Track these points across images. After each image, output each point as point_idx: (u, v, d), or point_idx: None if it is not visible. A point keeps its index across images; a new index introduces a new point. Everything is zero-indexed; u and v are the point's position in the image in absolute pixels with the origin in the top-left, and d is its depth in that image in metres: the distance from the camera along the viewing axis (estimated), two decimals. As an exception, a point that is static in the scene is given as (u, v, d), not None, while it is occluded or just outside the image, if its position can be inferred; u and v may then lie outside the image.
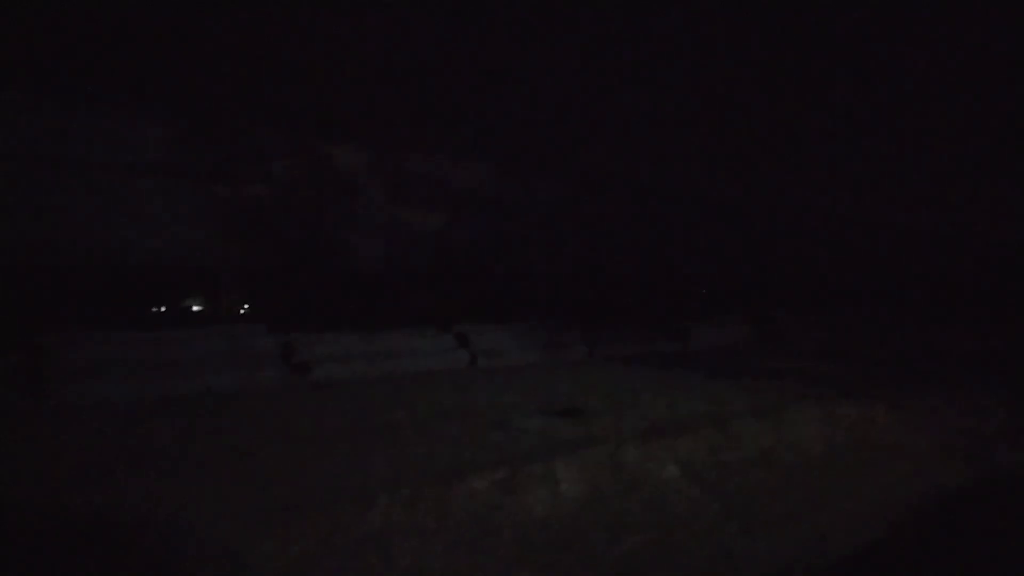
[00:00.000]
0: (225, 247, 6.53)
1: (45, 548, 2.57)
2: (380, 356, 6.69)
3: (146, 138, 6.11)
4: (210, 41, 6.09)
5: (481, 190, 8.37)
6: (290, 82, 6.71)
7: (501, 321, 8.12)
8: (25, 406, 4.84)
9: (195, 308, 6.37)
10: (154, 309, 6.16)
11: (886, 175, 12.85)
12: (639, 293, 9.96)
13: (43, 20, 5.35)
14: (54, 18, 5.37)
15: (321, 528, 2.88)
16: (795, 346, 9.87)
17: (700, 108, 10.10)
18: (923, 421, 5.32)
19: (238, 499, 3.01)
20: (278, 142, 6.80)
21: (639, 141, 9.68)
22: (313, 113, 6.85)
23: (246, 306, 6.57)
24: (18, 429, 4.23)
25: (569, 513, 3.40)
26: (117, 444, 3.89)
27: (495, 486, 3.35)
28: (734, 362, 7.87)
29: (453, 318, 7.73)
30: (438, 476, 3.33)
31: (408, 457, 3.66)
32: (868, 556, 3.32)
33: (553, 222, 9.06)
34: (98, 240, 5.88)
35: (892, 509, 3.80)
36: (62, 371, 5.12)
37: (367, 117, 7.27)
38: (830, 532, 3.48)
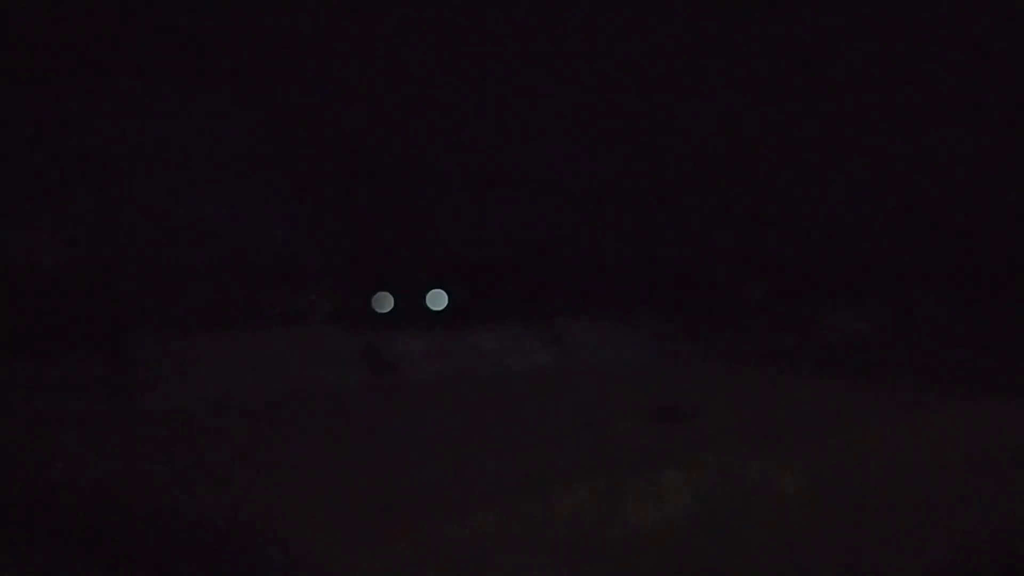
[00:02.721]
0: (309, 245, 6.56)
1: (134, 551, 2.56)
2: (468, 355, 6.55)
3: (229, 136, 6.18)
4: (289, 32, 6.10)
5: (576, 177, 8.10)
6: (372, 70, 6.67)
7: (598, 315, 7.80)
8: (111, 409, 4.94)
9: (279, 308, 6.40)
10: (238, 309, 6.22)
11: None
12: (752, 282, 9.42)
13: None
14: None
15: (414, 537, 2.75)
16: (932, 336, 9.09)
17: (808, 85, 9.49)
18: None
19: (329, 505, 2.92)
20: (361, 134, 6.77)
21: (741, 119, 9.18)
22: (395, 100, 6.78)
23: (328, 304, 6.56)
24: (105, 432, 4.29)
25: (676, 526, 3.15)
26: (203, 447, 3.90)
27: (595, 496, 3.13)
28: (861, 356, 7.32)
29: (546, 312, 7.49)
30: (534, 485, 3.15)
31: (501, 463, 3.50)
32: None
33: (656, 209, 8.69)
34: (183, 241, 6.01)
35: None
36: (147, 373, 5.21)
37: (453, 107, 7.16)
38: (971, 547, 3.10)
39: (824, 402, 4.89)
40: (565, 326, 7.33)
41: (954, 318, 10.14)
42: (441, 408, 4.92)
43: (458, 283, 7.26)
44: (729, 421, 4.35)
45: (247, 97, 6.27)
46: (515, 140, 7.71)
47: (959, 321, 10.08)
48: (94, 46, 5.45)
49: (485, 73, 7.29)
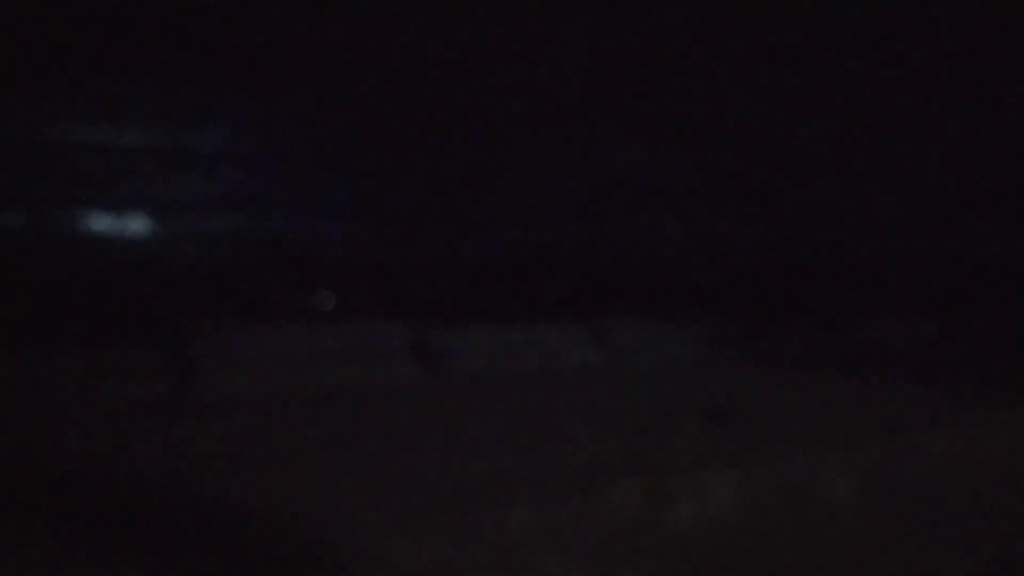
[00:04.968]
0: (359, 236, 6.64)
1: (185, 541, 2.60)
2: (516, 351, 6.55)
3: (276, 127, 6.31)
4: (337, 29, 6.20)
5: (627, 176, 8.03)
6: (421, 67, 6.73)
7: (645, 313, 7.72)
8: (170, 398, 5.07)
9: (329, 300, 6.48)
10: (289, 301, 6.33)
11: None
12: (803, 282, 9.19)
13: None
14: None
15: (457, 532, 2.76)
16: (985, 339, 8.76)
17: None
18: None
19: (376, 498, 2.95)
20: (412, 130, 6.83)
21: (791, 123, 8.98)
22: (443, 95, 6.83)
23: (379, 298, 6.62)
24: (163, 421, 4.40)
25: (725, 528, 3.09)
26: (255, 438, 3.96)
27: (641, 496, 3.09)
28: (917, 359, 7.09)
29: (593, 310, 7.44)
30: (578, 483, 3.12)
31: (546, 461, 3.48)
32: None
33: (701, 203, 8.55)
34: (240, 232, 6.15)
35: None
36: (205, 364, 5.34)
37: (499, 104, 7.18)
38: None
39: (877, 405, 4.73)
40: (614, 324, 7.26)
41: (1007, 321, 9.76)
42: (489, 404, 4.91)
43: (507, 279, 7.26)
44: (779, 423, 4.25)
45: (298, 96, 6.39)
46: (566, 137, 7.68)
47: (1012, 324, 9.69)
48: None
49: (537, 72, 7.29)
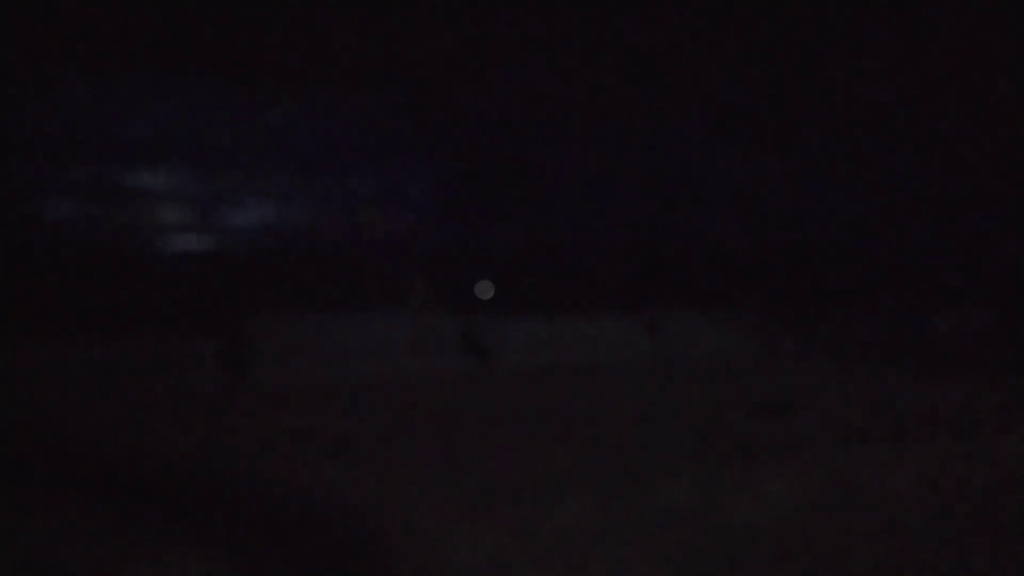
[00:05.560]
0: (414, 232, 6.71)
1: (243, 533, 2.66)
2: (566, 342, 6.56)
3: (338, 121, 6.41)
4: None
5: (679, 168, 7.94)
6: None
7: (698, 305, 7.65)
8: (221, 388, 5.24)
9: (384, 293, 6.57)
10: (341, 292, 6.43)
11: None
12: (861, 273, 8.97)
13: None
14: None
15: (511, 524, 2.80)
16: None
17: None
18: None
19: (428, 490, 3.00)
20: (467, 123, 6.88)
21: (835, 98, 8.77)
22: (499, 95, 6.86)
23: (430, 291, 6.70)
24: (214, 411, 4.55)
25: (780, 523, 3.07)
26: (305, 429, 4.03)
27: (695, 489, 3.09)
28: (981, 356, 6.87)
29: (645, 301, 7.40)
30: (631, 476, 3.14)
31: (598, 454, 3.50)
32: None
33: (760, 201, 8.41)
34: (288, 225, 6.27)
35: None
36: (258, 354, 5.48)
37: (553, 101, 7.18)
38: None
39: (932, 400, 4.62)
40: (668, 317, 7.22)
41: None
42: (539, 396, 4.94)
43: (560, 272, 7.27)
44: (832, 417, 4.18)
45: (353, 94, 6.49)
46: (621, 133, 7.64)
47: None
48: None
49: (586, 72, 7.27)
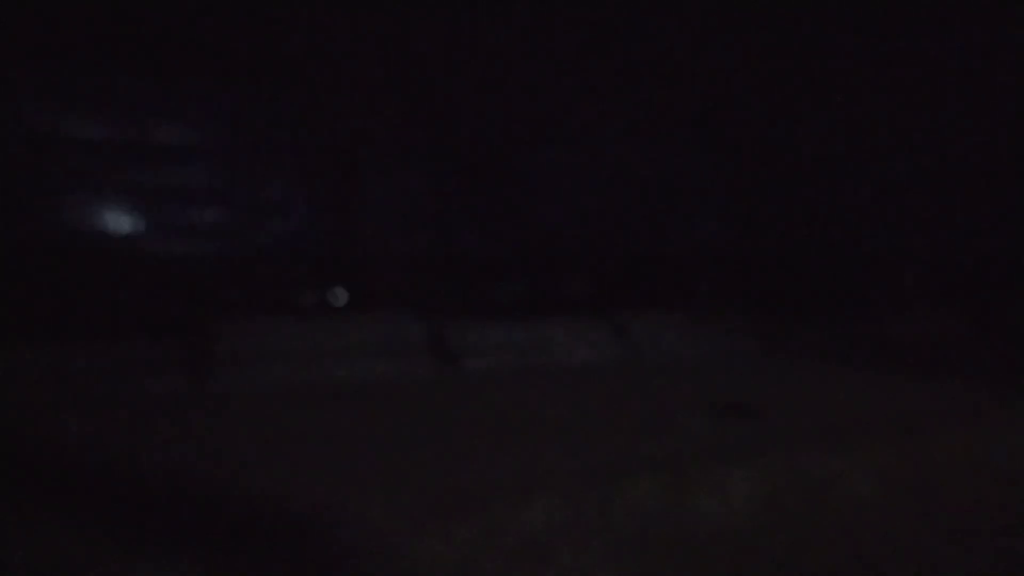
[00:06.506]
0: (377, 234, 6.68)
1: (202, 537, 2.65)
2: (533, 346, 6.58)
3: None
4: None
5: (647, 170, 8.02)
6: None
7: (663, 308, 7.74)
8: (187, 391, 5.17)
9: (345, 295, 6.53)
10: (306, 296, 6.39)
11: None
12: (821, 277, 9.14)
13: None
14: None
15: (478, 525, 2.80)
16: (1009, 336, 8.67)
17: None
18: None
19: (396, 493, 3.00)
20: (425, 129, 6.87)
21: (810, 104, 8.93)
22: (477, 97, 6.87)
23: (398, 293, 6.67)
24: (180, 414, 4.49)
25: (744, 523, 3.11)
26: (271, 432, 4.03)
27: (660, 491, 3.13)
28: (939, 357, 7.02)
29: (610, 305, 7.46)
30: (597, 477, 3.16)
31: (565, 455, 3.52)
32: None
33: (722, 197, 8.52)
34: (259, 227, 6.21)
35: None
36: (222, 357, 5.42)
37: (519, 106, 7.20)
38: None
39: (896, 402, 4.73)
40: (632, 320, 7.28)
41: None
42: (506, 399, 4.94)
43: (525, 276, 7.30)
44: (796, 419, 4.26)
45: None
46: (587, 139, 7.69)
47: None
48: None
49: (557, 74, 7.30)
